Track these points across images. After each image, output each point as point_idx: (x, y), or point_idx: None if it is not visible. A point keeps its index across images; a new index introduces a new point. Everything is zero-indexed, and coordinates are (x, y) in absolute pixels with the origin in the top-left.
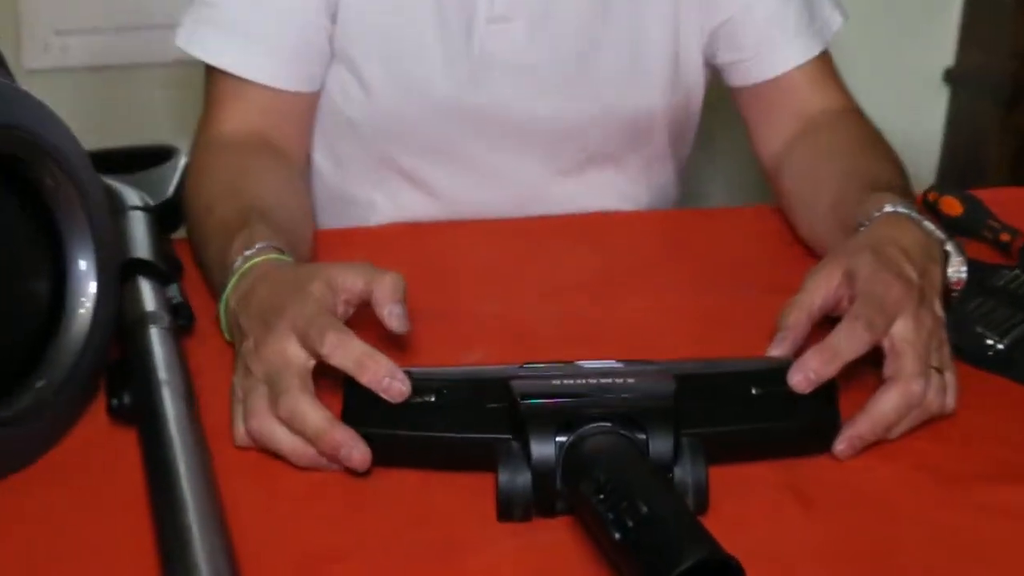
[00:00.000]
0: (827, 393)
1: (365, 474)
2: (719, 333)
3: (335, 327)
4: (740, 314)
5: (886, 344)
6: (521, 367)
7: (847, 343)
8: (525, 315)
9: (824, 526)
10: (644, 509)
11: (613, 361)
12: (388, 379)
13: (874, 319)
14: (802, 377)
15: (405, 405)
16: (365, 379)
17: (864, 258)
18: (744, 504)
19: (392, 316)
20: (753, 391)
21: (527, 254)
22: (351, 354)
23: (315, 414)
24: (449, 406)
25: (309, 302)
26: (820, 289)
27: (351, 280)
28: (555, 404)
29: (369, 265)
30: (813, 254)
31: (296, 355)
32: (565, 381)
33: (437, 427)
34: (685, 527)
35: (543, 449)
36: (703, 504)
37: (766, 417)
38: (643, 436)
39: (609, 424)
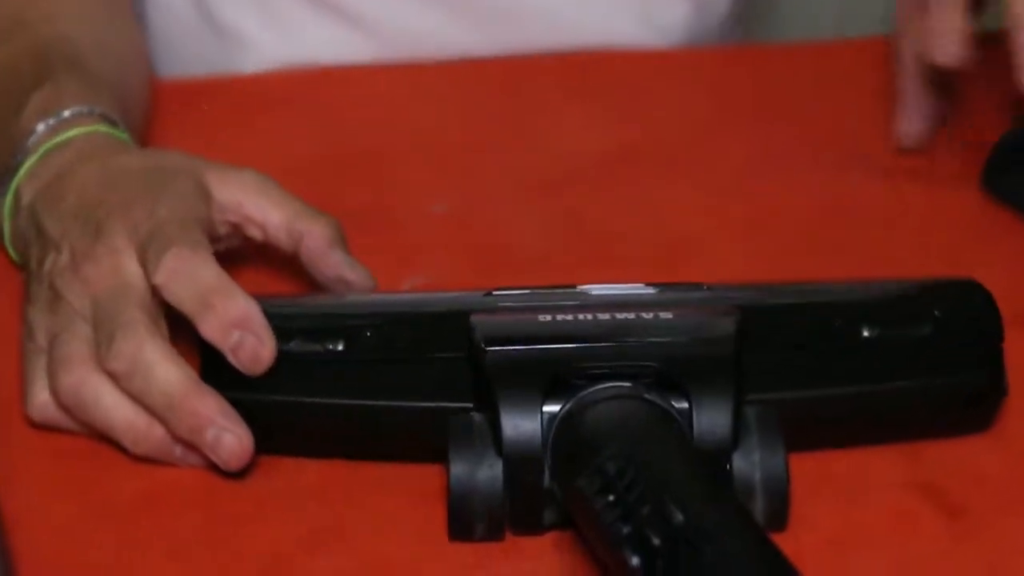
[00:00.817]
0: (983, 335)
1: (241, 472)
2: (807, 244)
3: (190, 242)
4: (842, 214)
5: None
6: (488, 295)
7: None
8: (496, 216)
9: (979, 549)
10: (679, 518)
11: (637, 285)
12: (240, 334)
13: None
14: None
15: (300, 359)
16: (205, 329)
17: None
18: (848, 514)
19: (350, 266)
20: (864, 332)
21: (499, 117)
22: (195, 285)
23: (169, 369)
24: (370, 358)
25: (168, 202)
26: None
27: (258, 205)
28: (541, 352)
29: (278, 186)
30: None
31: (138, 276)
32: (559, 317)
33: (351, 392)
34: (747, 548)
35: (521, 424)
36: (780, 513)
37: (884, 374)
38: (684, 403)
39: (628, 384)
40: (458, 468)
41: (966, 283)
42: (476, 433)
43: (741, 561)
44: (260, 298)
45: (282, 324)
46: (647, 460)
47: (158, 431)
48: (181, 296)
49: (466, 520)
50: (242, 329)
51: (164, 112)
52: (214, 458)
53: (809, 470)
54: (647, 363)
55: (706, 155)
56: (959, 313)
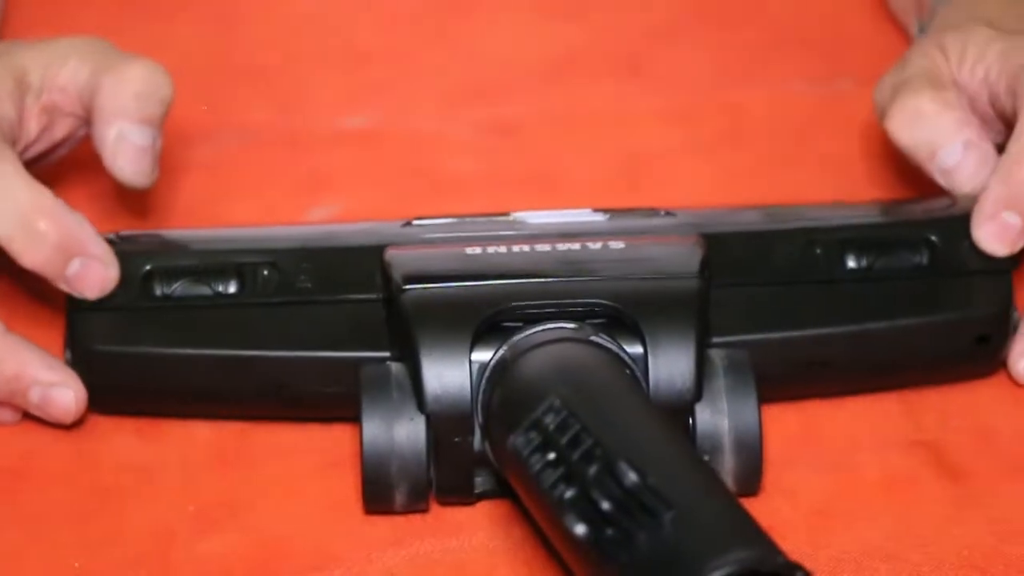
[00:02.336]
0: (988, 263)
1: (117, 439)
2: (786, 162)
3: None
4: (826, 128)
5: None
6: (407, 225)
7: None
8: (419, 134)
9: (985, 516)
10: (632, 478)
11: (583, 211)
12: (80, 261)
13: None
14: (996, 228)
15: (185, 305)
16: (31, 259)
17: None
18: (835, 479)
19: (122, 146)
20: (849, 263)
21: (420, 18)
22: (8, 205)
23: None
24: (268, 302)
25: None
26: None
27: (69, 68)
28: (468, 291)
29: (107, 45)
30: None
31: None
32: (490, 249)
33: (246, 342)
34: (714, 514)
35: (446, 375)
36: (753, 473)
37: (874, 311)
38: (638, 347)
39: (572, 326)
40: (372, 426)
41: (968, 203)
42: (394, 385)
43: (707, 530)
44: (122, 234)
45: (163, 263)
46: (593, 412)
47: None
48: None
49: (383, 487)
50: (81, 255)
51: (20, 12)
52: (45, 416)
53: (790, 427)
54: (594, 301)
55: (666, 61)
56: (959, 238)
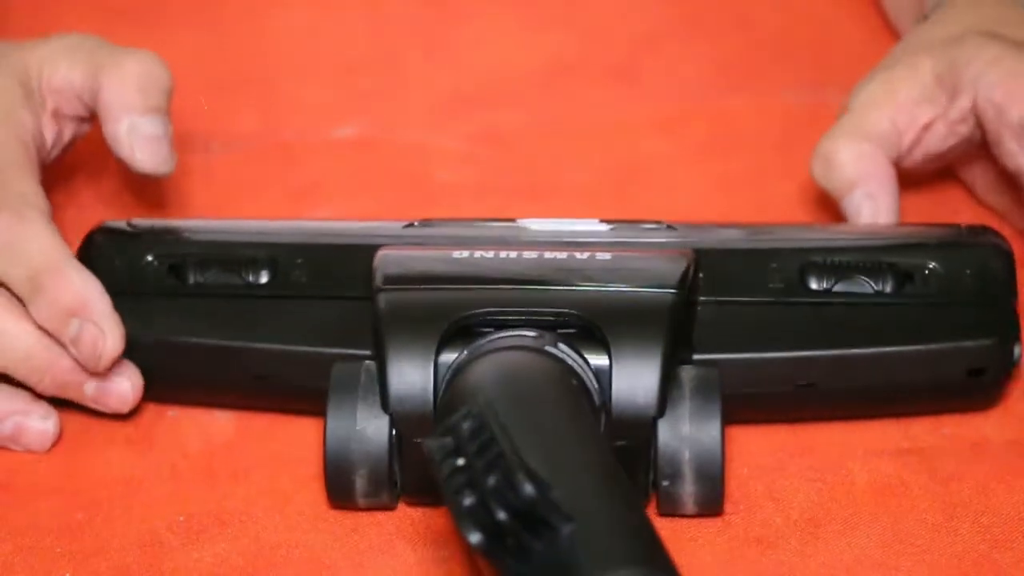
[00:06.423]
0: (987, 291)
1: (106, 450)
2: (773, 167)
3: (16, 202)
4: (810, 133)
5: None
6: (409, 226)
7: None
8: (413, 142)
9: (976, 522)
10: (528, 489)
11: (591, 221)
12: (78, 323)
13: None
14: None
15: (180, 293)
16: (37, 316)
17: (971, 46)
18: (826, 488)
19: (136, 138)
20: (843, 285)
21: (412, 26)
22: (23, 262)
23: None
24: (261, 294)
25: None
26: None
27: (63, 71)
28: (438, 294)
29: (100, 41)
30: None
31: None
32: (476, 254)
33: (232, 331)
34: (611, 527)
35: (410, 375)
36: (712, 496)
37: (858, 336)
38: (603, 359)
39: (532, 334)
40: (335, 422)
41: (973, 230)
42: (361, 383)
43: (601, 545)
44: (132, 221)
45: (162, 251)
46: (512, 421)
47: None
48: (9, 274)
49: (343, 483)
50: (80, 317)
51: (9, 21)
52: (100, 406)
53: (781, 435)
54: (561, 310)
55: (656, 70)
56: (959, 267)
